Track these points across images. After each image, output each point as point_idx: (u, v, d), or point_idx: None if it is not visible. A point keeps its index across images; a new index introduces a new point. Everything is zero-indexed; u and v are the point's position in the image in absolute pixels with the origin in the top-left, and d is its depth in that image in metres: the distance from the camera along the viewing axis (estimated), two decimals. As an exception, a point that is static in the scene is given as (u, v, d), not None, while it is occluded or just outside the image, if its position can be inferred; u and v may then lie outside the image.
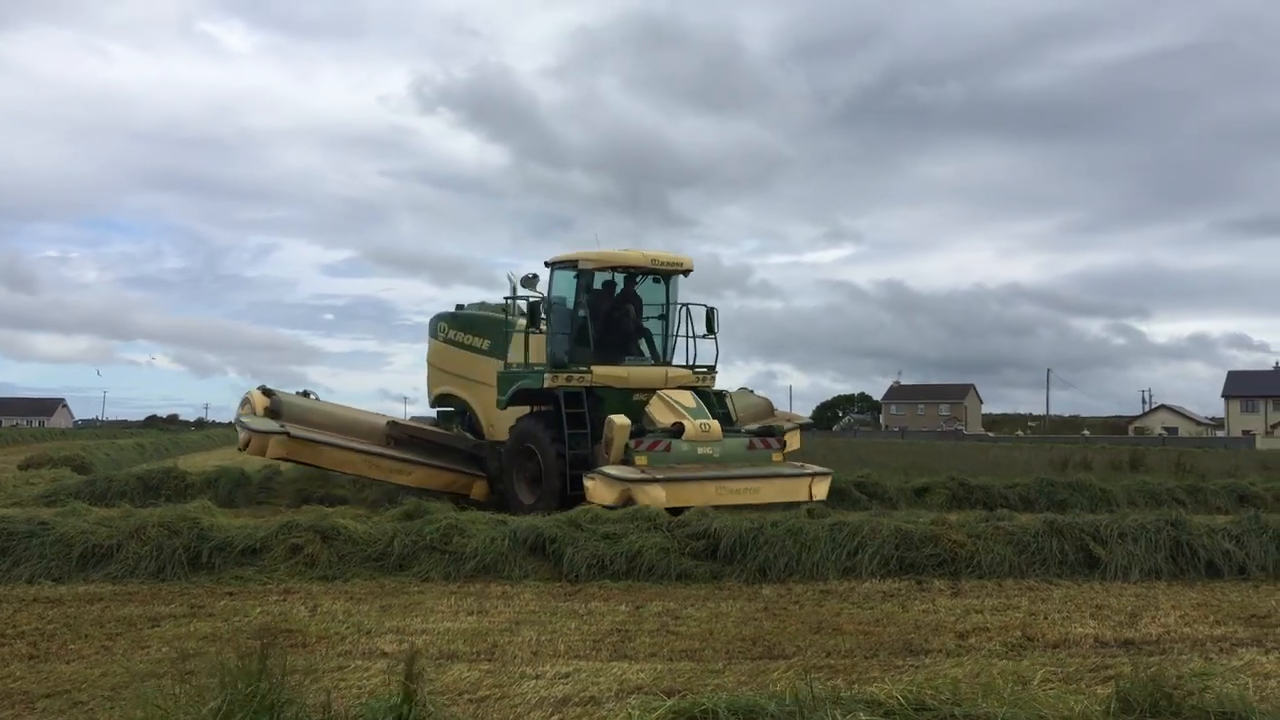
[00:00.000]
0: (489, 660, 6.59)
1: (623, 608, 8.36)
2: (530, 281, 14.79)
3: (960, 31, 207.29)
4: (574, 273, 15.21)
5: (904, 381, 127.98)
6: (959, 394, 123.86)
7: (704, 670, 6.38)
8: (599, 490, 12.86)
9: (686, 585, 9.35)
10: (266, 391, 15.84)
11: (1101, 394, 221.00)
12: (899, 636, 7.41)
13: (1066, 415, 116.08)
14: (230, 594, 8.74)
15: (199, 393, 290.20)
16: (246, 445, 15.09)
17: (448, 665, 6.39)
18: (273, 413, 15.61)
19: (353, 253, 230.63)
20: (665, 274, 15.78)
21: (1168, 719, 3.65)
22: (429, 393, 18.19)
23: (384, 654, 6.70)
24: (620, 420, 13.66)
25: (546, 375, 14.63)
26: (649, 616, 8.04)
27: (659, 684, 5.95)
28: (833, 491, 16.68)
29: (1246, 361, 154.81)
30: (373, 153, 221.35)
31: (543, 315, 15.05)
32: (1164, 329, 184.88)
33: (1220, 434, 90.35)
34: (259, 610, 8.07)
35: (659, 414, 14.47)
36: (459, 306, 17.96)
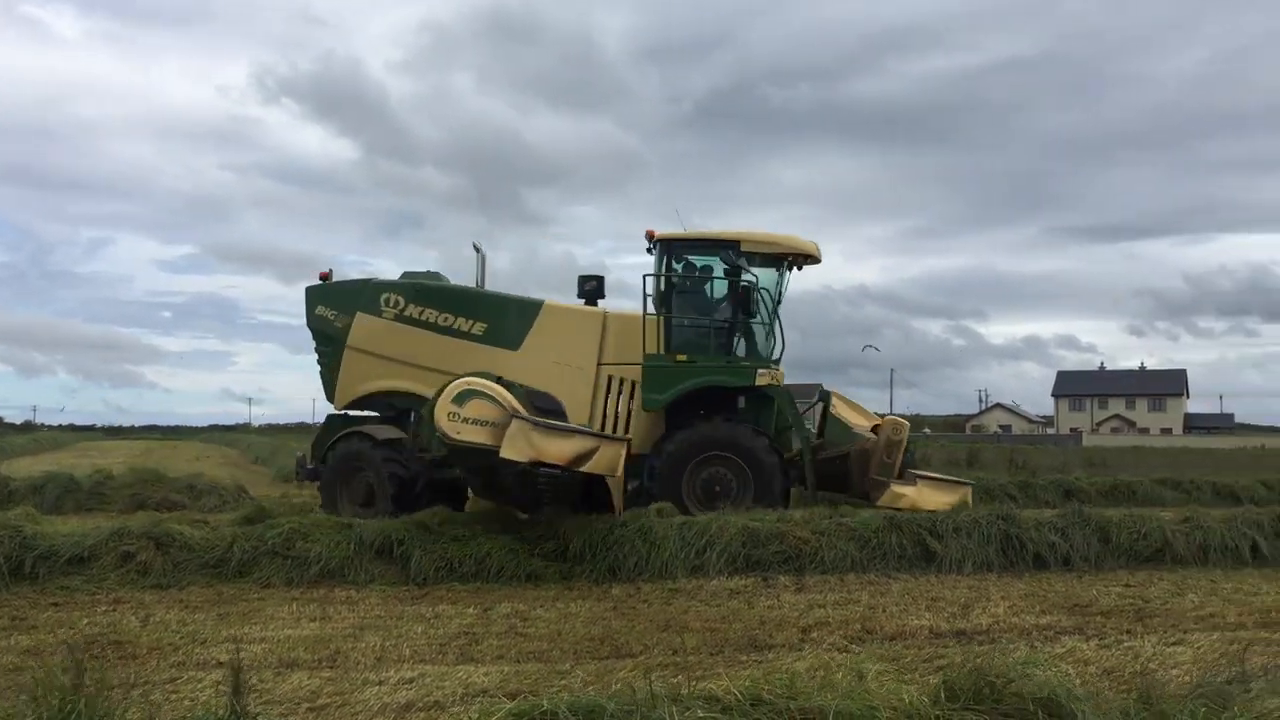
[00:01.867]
0: (330, 667, 6.43)
1: (471, 610, 8.28)
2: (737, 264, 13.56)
3: (808, 39, 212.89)
4: (776, 263, 14.17)
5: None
6: (807, 394, 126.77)
7: (551, 671, 6.37)
8: (931, 496, 12.21)
9: (536, 586, 9.32)
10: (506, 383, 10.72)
11: (942, 393, 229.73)
12: (744, 633, 7.54)
13: (910, 414, 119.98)
14: (56, 605, 8.29)
15: (26, 394, 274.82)
16: (581, 463, 9.98)
17: (286, 674, 6.21)
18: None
19: (192, 248, 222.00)
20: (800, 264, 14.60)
21: (990, 706, 3.82)
22: (343, 388, 13.99)
23: (219, 664, 6.46)
24: (904, 422, 13.22)
25: (761, 372, 13.60)
26: (497, 618, 7.98)
27: (505, 686, 5.91)
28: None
29: (1075, 362, 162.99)
30: (212, 145, 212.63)
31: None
32: (1000, 330, 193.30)
33: (1050, 431, 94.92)
34: (86, 622, 7.69)
35: (851, 416, 14.23)
36: (406, 275, 14.47)
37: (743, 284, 13.83)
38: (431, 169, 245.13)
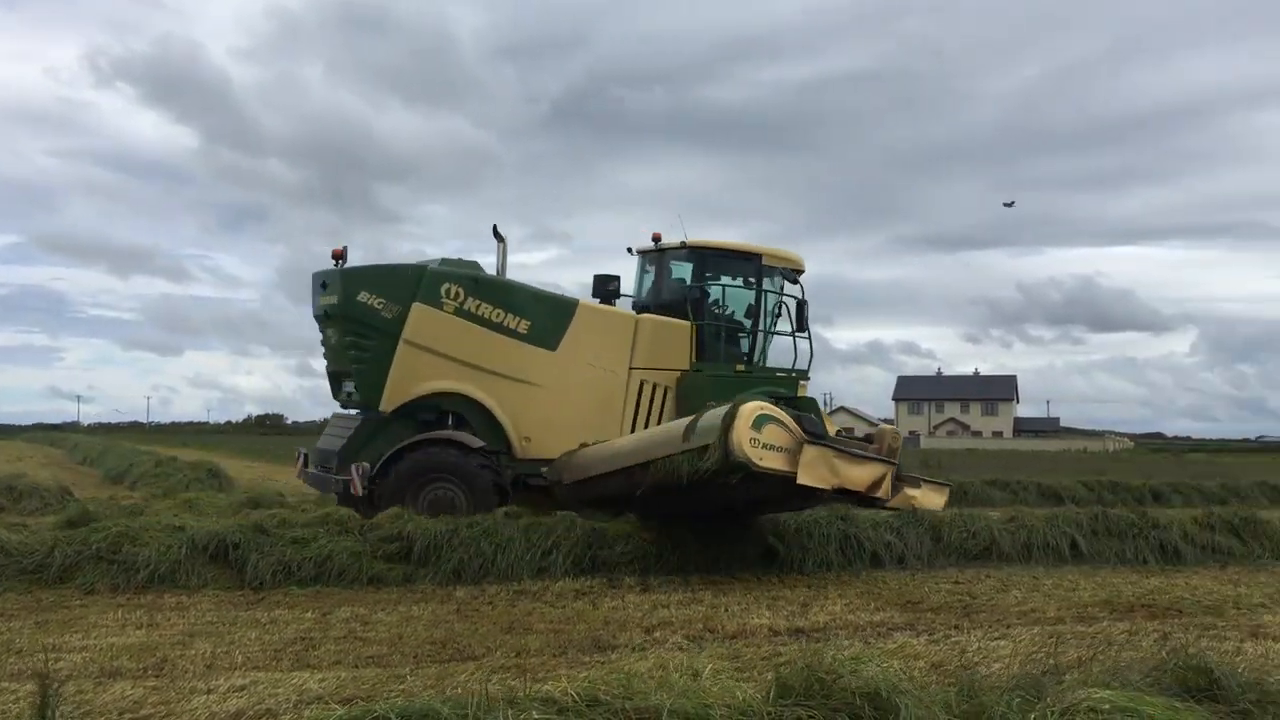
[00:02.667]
0: (156, 676, 6.17)
1: (309, 615, 8.07)
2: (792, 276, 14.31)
3: (661, 44, 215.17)
4: (794, 277, 14.60)
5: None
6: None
7: (390, 676, 6.26)
8: (932, 497, 11.64)
9: (378, 589, 9.14)
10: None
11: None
12: (588, 634, 7.55)
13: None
14: None
15: None
16: (876, 489, 10.05)
17: (108, 684, 5.92)
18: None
19: (16, 238, 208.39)
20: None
21: (820, 702, 3.93)
22: (394, 387, 12.32)
23: (37, 675, 6.13)
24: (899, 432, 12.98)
25: (802, 382, 14.05)
26: (336, 623, 7.80)
27: (341, 692, 5.78)
28: (532, 490, 16.70)
29: (915, 367, 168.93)
30: (39, 129, 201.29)
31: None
32: (845, 335, 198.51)
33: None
34: (-114, 633, 7.19)
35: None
36: (446, 263, 13.03)
37: (800, 300, 14.43)
38: (277, 161, 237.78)
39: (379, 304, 12.28)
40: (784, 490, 9.78)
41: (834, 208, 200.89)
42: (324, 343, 13.15)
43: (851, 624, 8.12)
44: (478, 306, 12.63)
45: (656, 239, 14.30)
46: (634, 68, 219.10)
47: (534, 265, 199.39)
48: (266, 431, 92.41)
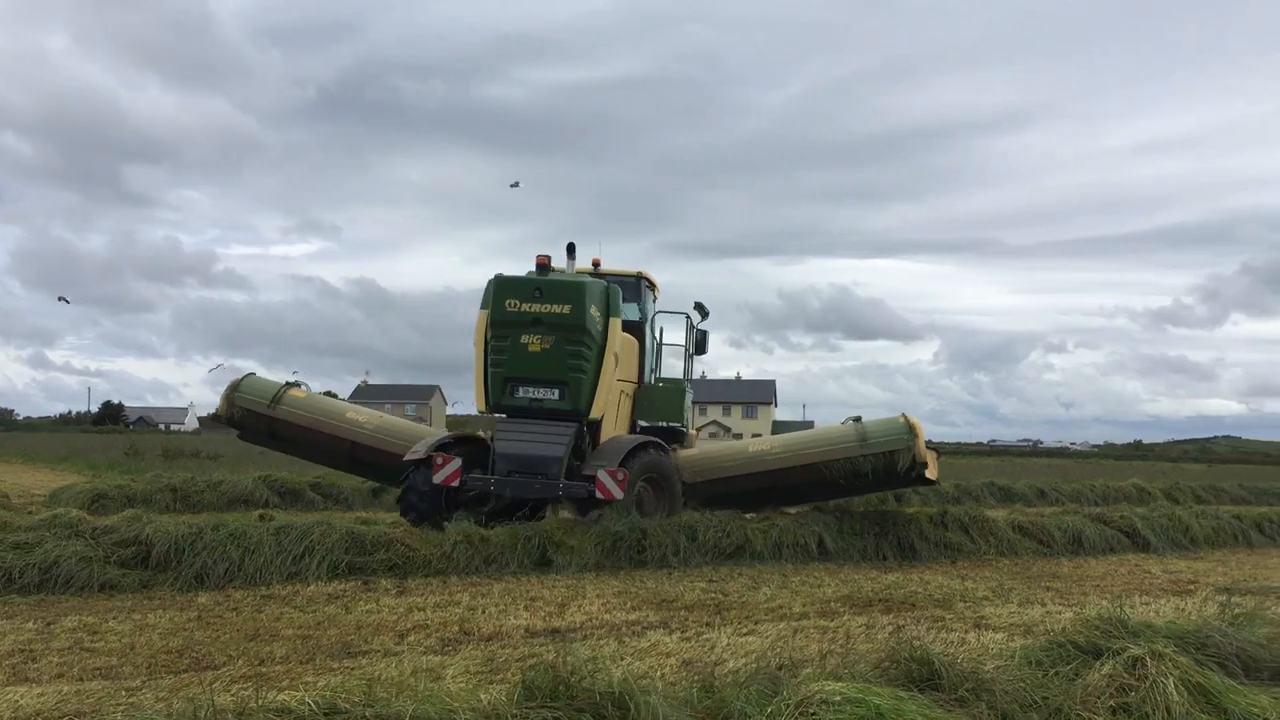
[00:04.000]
0: None
1: (30, 625, 7.47)
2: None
3: (437, 37, 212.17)
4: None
5: (371, 381, 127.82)
6: (425, 394, 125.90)
7: (119, 689, 5.86)
8: (935, 466, 14.53)
9: (111, 597, 8.59)
10: None
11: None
12: (339, 639, 7.32)
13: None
14: None
15: None
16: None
17: None
18: None
19: None
20: None
21: (564, 703, 3.95)
22: (601, 397, 12.87)
23: None
24: None
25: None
26: (61, 633, 7.25)
27: (62, 708, 5.39)
28: (287, 493, 16.37)
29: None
30: None
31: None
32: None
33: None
34: None
35: None
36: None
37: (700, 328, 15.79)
38: (12, 135, 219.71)
39: (598, 316, 12.73)
40: (907, 480, 14.07)
41: (604, 210, 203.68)
42: (515, 348, 12.70)
43: (607, 623, 8.20)
44: (621, 323, 13.25)
45: (596, 264, 14.51)
46: (409, 59, 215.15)
47: (296, 257, 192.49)
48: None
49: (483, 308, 12.79)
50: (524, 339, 12.58)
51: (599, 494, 11.93)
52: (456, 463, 12.17)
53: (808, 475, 13.73)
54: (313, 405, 14.68)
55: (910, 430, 13.33)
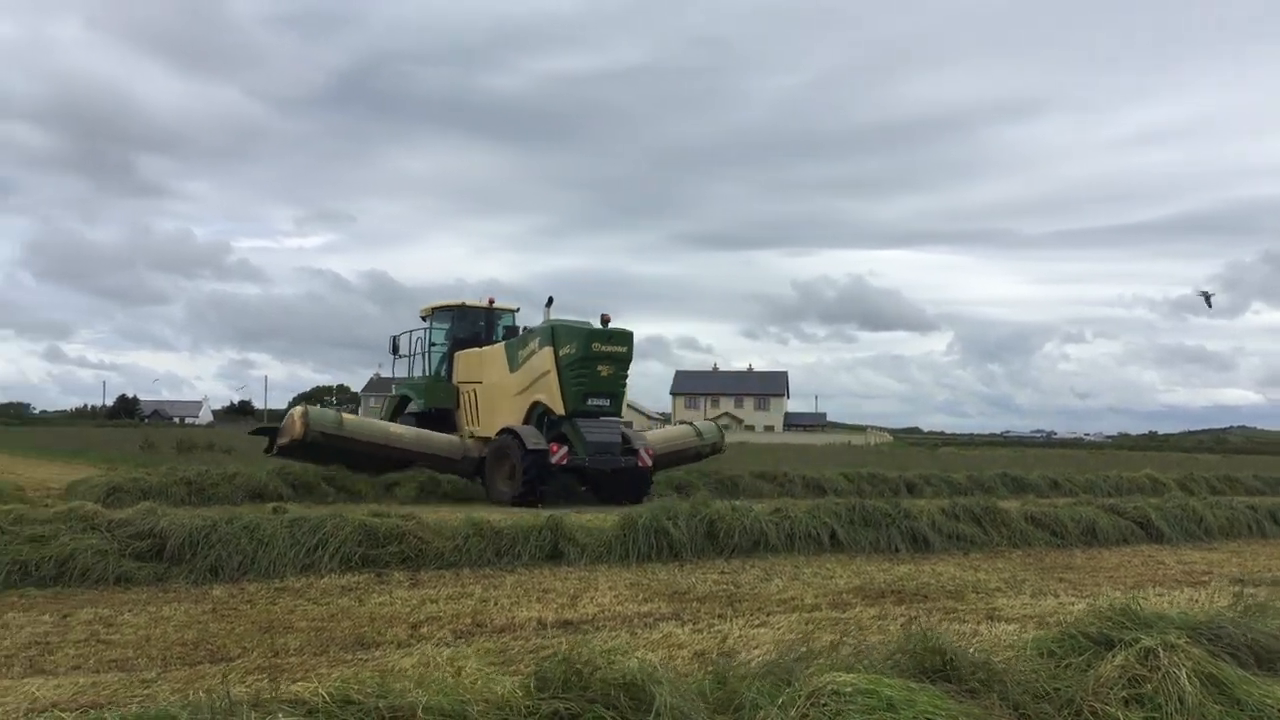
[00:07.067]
0: None
1: (47, 617, 7.53)
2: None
3: (443, 28, 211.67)
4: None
5: (384, 374, 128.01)
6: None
7: (134, 681, 5.91)
8: None
9: (126, 589, 8.64)
10: None
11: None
12: (352, 631, 7.36)
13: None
14: None
15: None
16: None
17: None
18: None
19: None
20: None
21: (578, 693, 3.96)
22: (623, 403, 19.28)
23: None
24: None
25: None
26: (77, 625, 7.31)
27: (78, 699, 5.42)
28: (300, 486, 16.45)
29: (694, 362, 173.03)
30: None
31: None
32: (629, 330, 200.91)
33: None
34: None
35: None
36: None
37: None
38: (23, 125, 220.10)
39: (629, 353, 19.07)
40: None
41: (613, 202, 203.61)
42: (592, 374, 18.31)
43: (620, 615, 8.22)
44: None
45: (605, 320, 18.99)
46: (415, 51, 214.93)
47: (309, 250, 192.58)
48: (10, 422, 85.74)
49: (546, 344, 18.37)
50: (600, 368, 18.32)
51: (639, 464, 18.47)
52: (565, 449, 17.75)
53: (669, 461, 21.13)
54: (369, 427, 19.64)
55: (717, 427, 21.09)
